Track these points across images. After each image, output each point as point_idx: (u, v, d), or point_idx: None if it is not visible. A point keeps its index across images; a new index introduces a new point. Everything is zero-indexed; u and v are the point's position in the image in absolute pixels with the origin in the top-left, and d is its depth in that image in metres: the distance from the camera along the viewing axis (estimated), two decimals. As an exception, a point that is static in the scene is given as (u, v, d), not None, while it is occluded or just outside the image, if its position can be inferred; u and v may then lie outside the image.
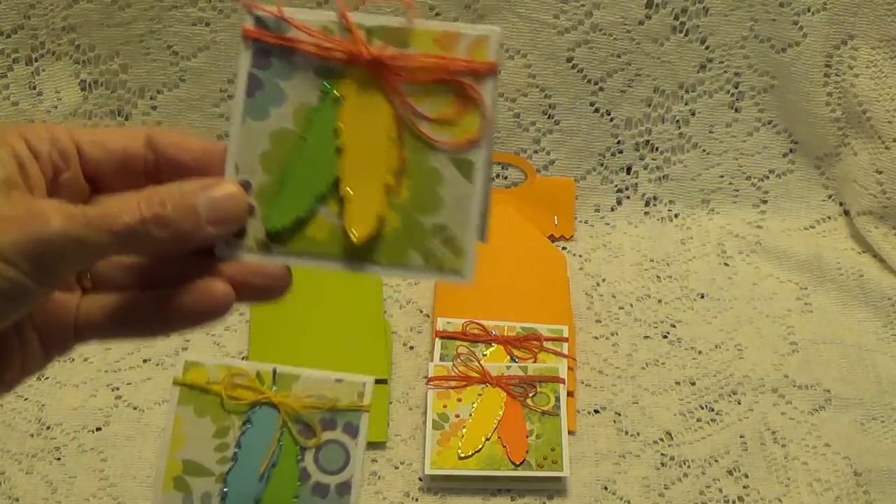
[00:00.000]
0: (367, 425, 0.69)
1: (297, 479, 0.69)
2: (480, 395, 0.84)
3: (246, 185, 0.45)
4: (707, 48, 0.99)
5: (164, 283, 0.46)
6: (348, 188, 0.45)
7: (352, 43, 0.45)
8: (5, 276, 0.41)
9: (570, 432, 0.83)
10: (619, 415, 0.86)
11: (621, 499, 0.80)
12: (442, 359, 0.87)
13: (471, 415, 0.82)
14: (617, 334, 0.93)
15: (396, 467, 0.82)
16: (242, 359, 0.89)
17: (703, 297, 0.96)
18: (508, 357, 0.87)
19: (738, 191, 1.04)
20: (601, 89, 1.00)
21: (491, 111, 0.45)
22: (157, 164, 0.46)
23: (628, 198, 1.03)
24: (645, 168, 1.03)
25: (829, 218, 1.03)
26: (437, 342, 0.88)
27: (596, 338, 0.92)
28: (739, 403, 0.87)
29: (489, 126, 0.45)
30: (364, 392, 0.70)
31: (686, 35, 0.98)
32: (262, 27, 0.46)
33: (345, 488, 0.69)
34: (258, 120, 0.46)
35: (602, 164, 1.03)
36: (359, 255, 0.45)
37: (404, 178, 0.45)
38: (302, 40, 0.45)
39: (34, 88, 0.93)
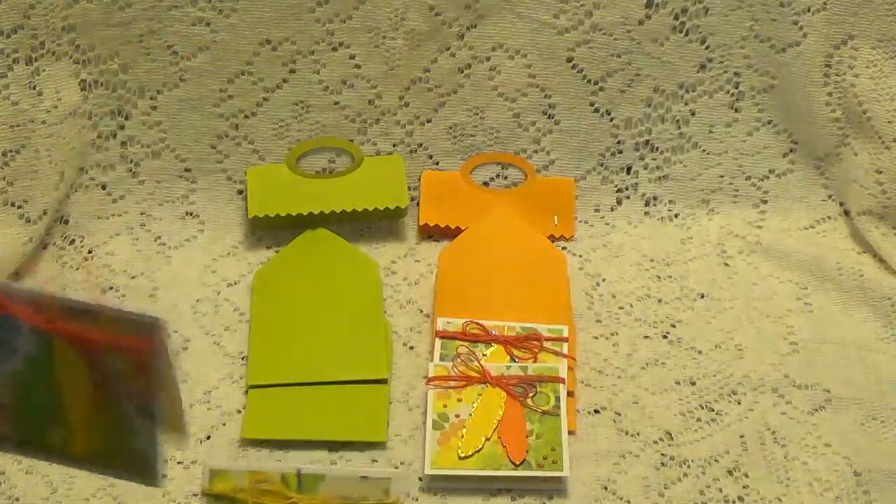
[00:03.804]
0: None
1: None
2: (480, 395, 0.84)
3: None
4: (707, 48, 0.99)
5: None
6: None
7: None
8: None
9: (569, 432, 0.83)
10: (619, 415, 0.86)
11: (621, 499, 0.80)
12: (442, 359, 0.87)
13: (471, 415, 0.82)
14: (617, 334, 0.93)
15: (396, 467, 0.81)
16: (242, 359, 0.89)
17: (703, 297, 0.96)
18: (508, 357, 0.87)
19: (738, 191, 1.04)
20: (601, 89, 1.00)
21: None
22: None
23: (628, 198, 1.03)
24: (645, 168, 1.03)
25: (829, 218, 1.03)
26: (438, 342, 0.88)
27: (596, 338, 0.92)
28: (739, 403, 0.87)
29: None
30: (389, 488, 0.70)
31: (686, 35, 0.98)
32: None
33: None
34: None
35: (602, 164, 1.03)
36: None
37: None
38: None
39: (34, 88, 0.92)
